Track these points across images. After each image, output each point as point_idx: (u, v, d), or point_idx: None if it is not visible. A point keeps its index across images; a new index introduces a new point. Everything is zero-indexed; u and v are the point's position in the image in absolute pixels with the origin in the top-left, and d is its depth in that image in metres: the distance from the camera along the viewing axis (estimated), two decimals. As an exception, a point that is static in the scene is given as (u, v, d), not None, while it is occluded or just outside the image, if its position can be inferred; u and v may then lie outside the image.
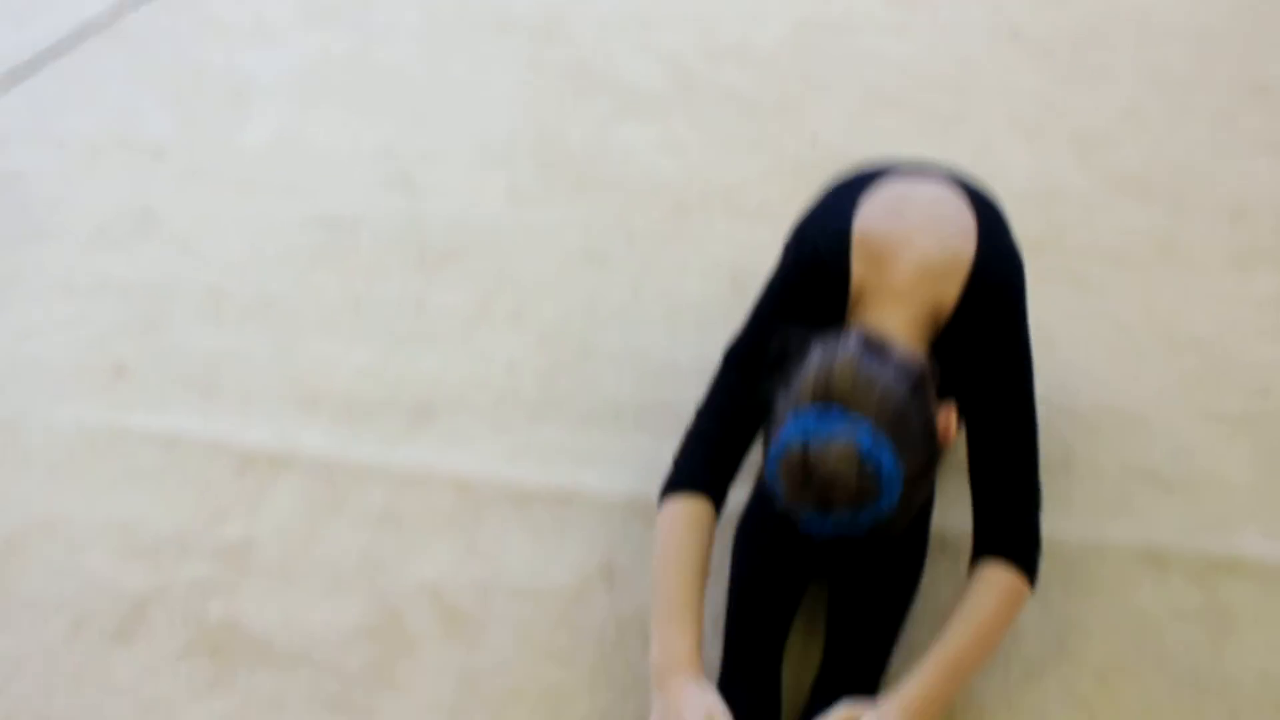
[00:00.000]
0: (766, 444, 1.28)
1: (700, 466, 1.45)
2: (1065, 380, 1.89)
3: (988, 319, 1.45)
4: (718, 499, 1.44)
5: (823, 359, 1.25)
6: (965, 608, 1.37)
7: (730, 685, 1.40)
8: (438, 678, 1.48)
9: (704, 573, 1.39)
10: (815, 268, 1.47)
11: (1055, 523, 1.64)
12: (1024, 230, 2.22)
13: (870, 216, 1.48)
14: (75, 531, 1.69)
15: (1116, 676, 1.48)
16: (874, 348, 1.26)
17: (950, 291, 1.43)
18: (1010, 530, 1.43)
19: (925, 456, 1.26)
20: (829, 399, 1.21)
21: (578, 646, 1.51)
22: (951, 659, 1.33)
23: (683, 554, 1.38)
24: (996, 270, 1.46)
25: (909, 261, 1.44)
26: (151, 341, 2.02)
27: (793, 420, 1.22)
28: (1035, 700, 1.45)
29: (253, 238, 2.25)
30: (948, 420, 1.33)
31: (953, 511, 1.64)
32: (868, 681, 1.41)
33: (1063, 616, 1.54)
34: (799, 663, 1.49)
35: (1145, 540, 1.64)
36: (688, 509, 1.40)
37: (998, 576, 1.38)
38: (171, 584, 1.61)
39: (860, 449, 1.18)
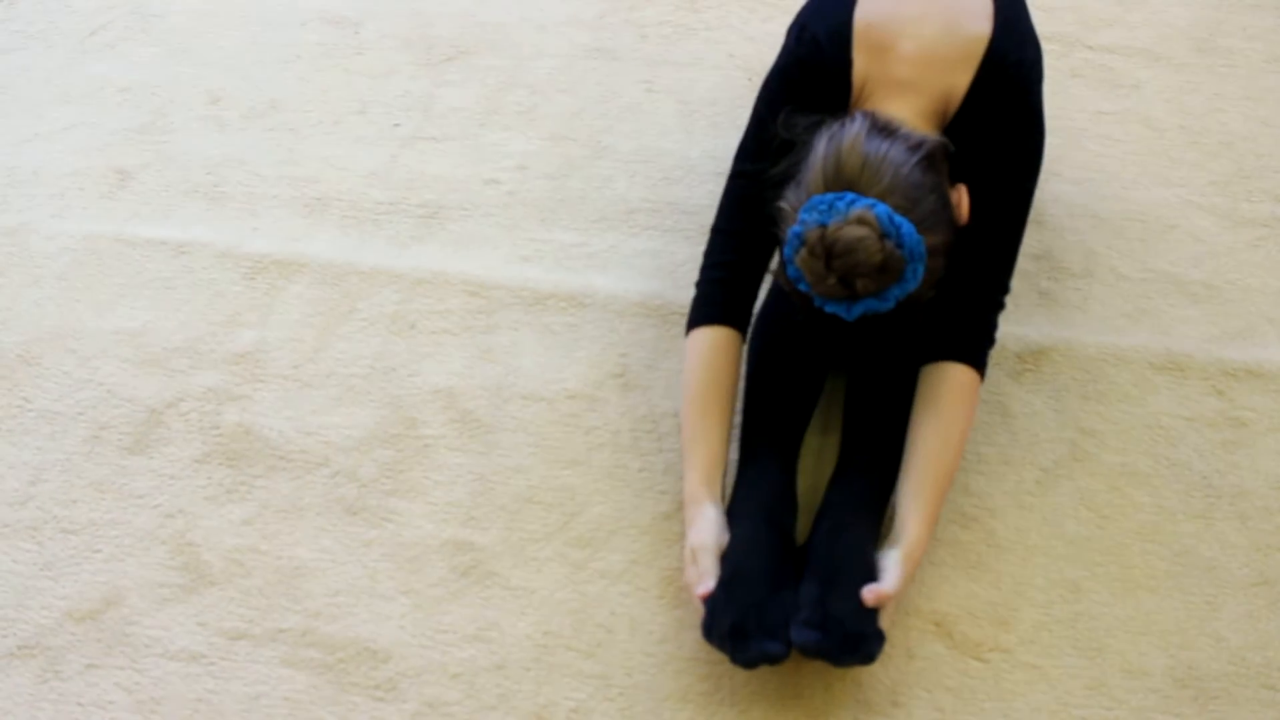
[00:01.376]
0: (782, 248, 1.25)
1: (720, 296, 1.44)
2: (1091, 181, 1.84)
3: (999, 106, 1.39)
4: (741, 322, 1.44)
5: (829, 145, 1.21)
6: (937, 423, 1.37)
7: (746, 483, 1.41)
8: (452, 481, 1.50)
9: (726, 402, 1.40)
10: (815, 62, 1.41)
11: (1073, 327, 1.63)
12: (1055, 25, 2.13)
13: (872, 2, 1.41)
14: (87, 342, 1.68)
15: (1129, 482, 1.48)
16: (881, 127, 1.22)
17: (961, 80, 1.37)
18: (971, 330, 1.42)
19: (944, 230, 1.24)
20: (840, 183, 1.18)
21: (592, 449, 1.51)
22: (935, 488, 1.35)
23: (703, 387, 1.39)
24: (1012, 54, 1.39)
25: (914, 50, 1.37)
26: (153, 147, 1.97)
27: (806, 211, 1.19)
28: (1049, 505, 1.46)
29: (253, 36, 2.16)
30: (960, 197, 1.30)
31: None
32: (883, 481, 1.42)
33: (1078, 421, 1.54)
34: (816, 461, 1.50)
35: (1164, 347, 1.62)
36: (711, 340, 1.41)
37: (958, 381, 1.38)
38: (185, 393, 1.61)
39: (879, 220, 1.16)
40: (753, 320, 1.51)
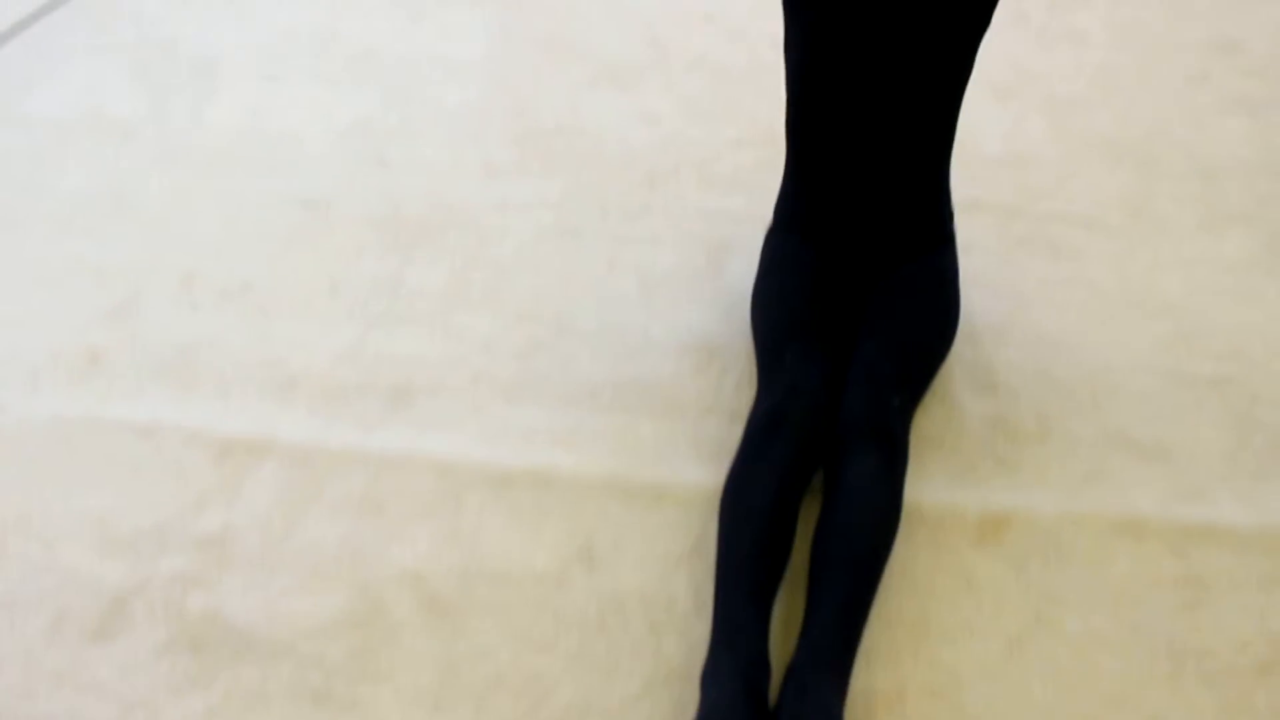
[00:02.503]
0: None
1: None
2: (1040, 346, 1.90)
3: None
4: None
5: None
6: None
7: (724, 641, 1.42)
8: (420, 666, 1.49)
9: None
10: None
11: (1031, 492, 1.66)
12: (997, 196, 2.24)
13: None
14: (52, 526, 1.68)
15: (1095, 648, 1.50)
16: None
17: None
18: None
19: None
20: None
21: (559, 631, 1.52)
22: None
23: None
24: None
25: None
26: (126, 327, 2.00)
27: None
28: (1016, 674, 1.47)
29: (226, 219, 2.23)
30: None
31: (925, 486, 1.66)
32: (849, 634, 1.43)
33: (1041, 588, 1.56)
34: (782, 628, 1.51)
35: (1121, 509, 1.65)
36: None
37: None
38: (151, 577, 1.61)
39: None
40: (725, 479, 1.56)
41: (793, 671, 1.39)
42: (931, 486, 1.64)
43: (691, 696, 1.38)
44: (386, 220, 2.19)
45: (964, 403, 1.78)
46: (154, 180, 2.36)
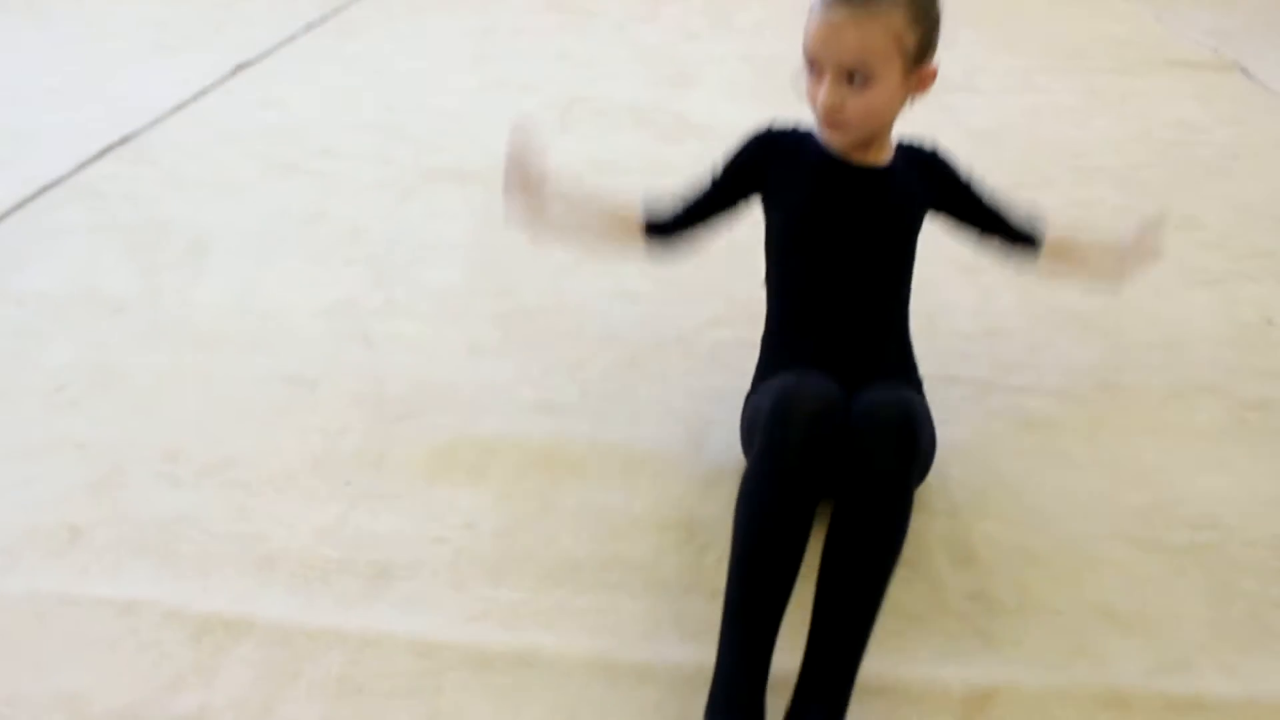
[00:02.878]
0: None
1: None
2: (1017, 518, 1.92)
3: None
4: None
5: None
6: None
7: (724, 680, 1.47)
8: None
9: None
10: None
11: (1015, 667, 1.66)
12: (969, 370, 2.29)
13: None
14: (24, 708, 1.64)
15: (1083, 827, 1.47)
16: None
17: None
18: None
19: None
20: None
21: (541, 816, 1.48)
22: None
23: None
24: None
25: None
26: (107, 504, 2.00)
27: None
28: None
29: (211, 395, 2.26)
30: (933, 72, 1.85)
31: (908, 662, 1.65)
32: (847, 675, 1.48)
33: (1027, 767, 1.54)
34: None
35: (1105, 683, 1.64)
36: None
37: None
38: (123, 763, 1.57)
39: None
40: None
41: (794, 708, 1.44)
42: (914, 662, 1.64)
43: None
44: (370, 398, 2.23)
45: (944, 577, 1.78)
46: (141, 356, 2.40)
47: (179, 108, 4.05)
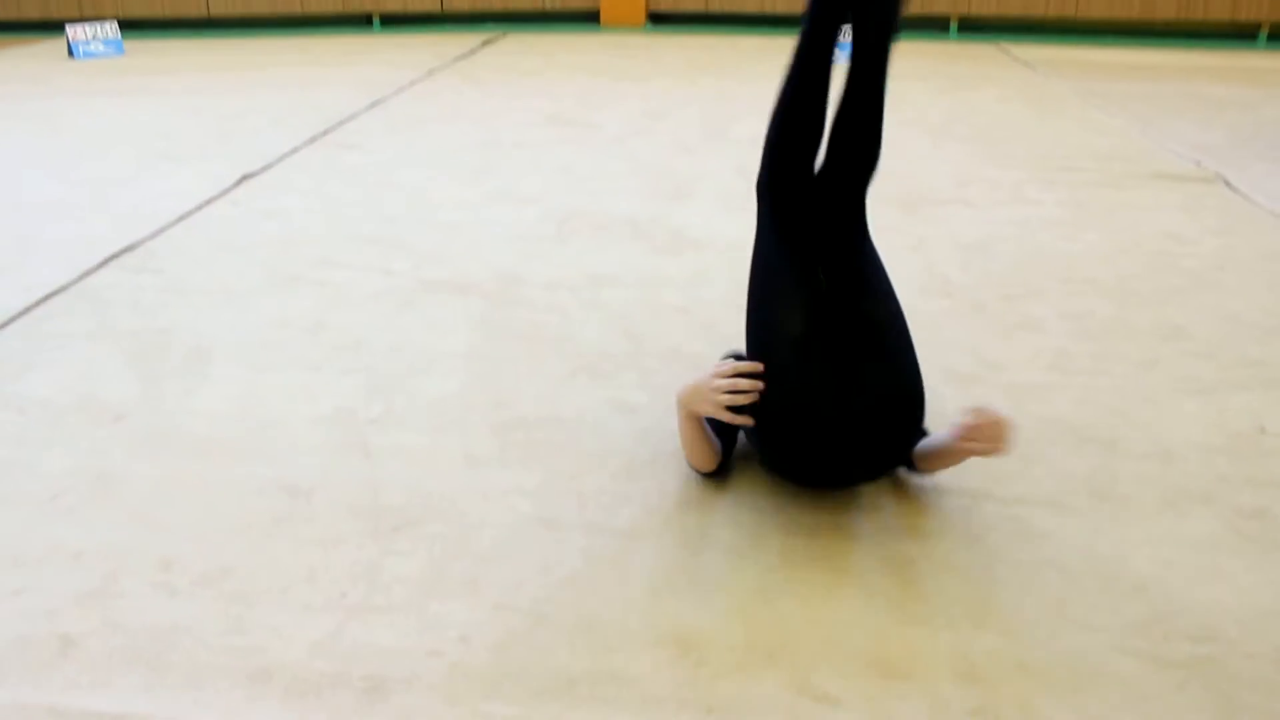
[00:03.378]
0: None
1: None
2: (1016, 632, 1.91)
3: None
4: None
5: None
6: None
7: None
8: None
9: None
10: None
11: (1016, 788, 1.63)
12: (964, 481, 2.30)
13: None
14: (8, 828, 1.62)
15: None
16: None
17: None
18: None
19: None
20: None
21: None
22: None
23: None
24: None
25: None
26: (100, 614, 1.98)
27: None
28: None
29: (209, 504, 2.26)
30: None
31: None
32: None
33: None
34: None
35: (1108, 802, 1.62)
36: None
37: None
38: None
39: None
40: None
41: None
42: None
43: None
44: (367, 508, 2.23)
45: (946, 694, 1.77)
46: (139, 464, 2.40)
47: (183, 217, 4.12)
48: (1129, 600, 1.99)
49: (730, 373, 2.09)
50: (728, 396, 2.07)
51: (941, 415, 2.54)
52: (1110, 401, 2.66)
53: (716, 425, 2.26)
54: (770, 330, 2.15)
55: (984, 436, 2.04)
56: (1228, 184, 4.56)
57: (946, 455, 2.17)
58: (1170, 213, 4.16)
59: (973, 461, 2.37)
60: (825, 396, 2.03)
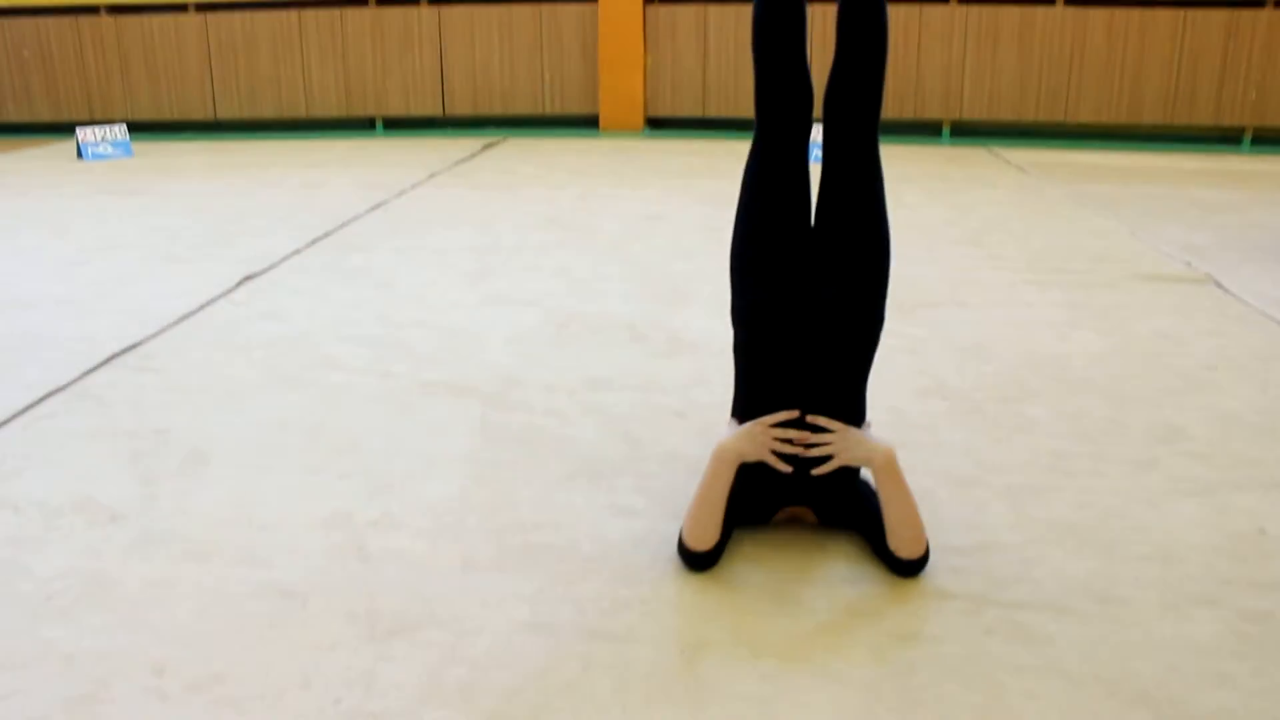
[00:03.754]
0: None
1: None
2: (1020, 740, 1.88)
3: None
4: None
5: None
6: None
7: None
8: None
9: None
10: None
11: None
12: (963, 586, 2.29)
13: None
14: None
15: None
16: None
17: None
18: None
19: None
20: None
21: None
22: None
23: None
24: None
25: None
26: (89, 718, 1.96)
27: None
28: None
29: (203, 608, 2.24)
30: None
31: None
32: None
33: None
34: None
35: None
36: None
37: None
38: None
39: None
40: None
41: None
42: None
43: None
44: (362, 613, 2.21)
45: (947, 802, 1.74)
46: (134, 566, 2.39)
47: (185, 317, 4.16)
48: (1134, 708, 1.96)
49: (779, 421, 2.34)
50: (778, 444, 2.32)
51: (939, 521, 2.54)
52: (1109, 503, 2.66)
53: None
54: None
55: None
56: (1218, 285, 4.62)
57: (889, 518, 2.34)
58: (1163, 314, 4.21)
59: (973, 566, 2.36)
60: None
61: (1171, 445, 2.99)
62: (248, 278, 4.75)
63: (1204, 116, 9.36)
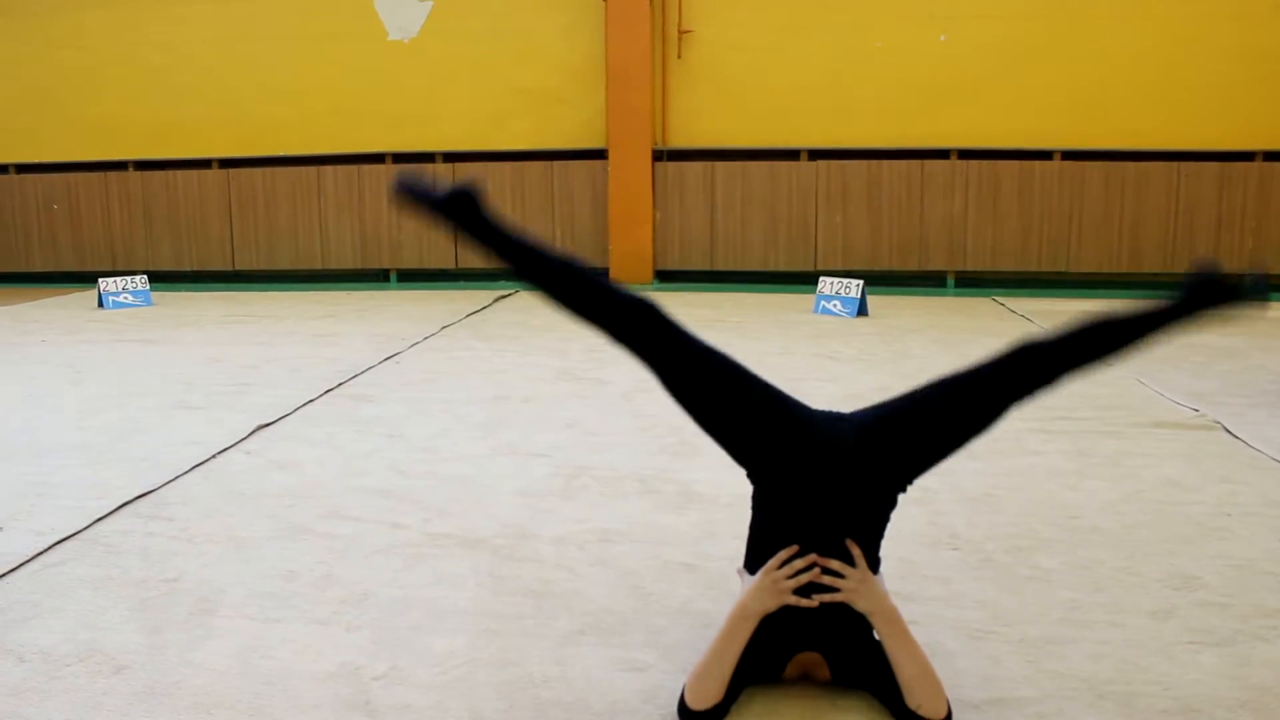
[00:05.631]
0: None
1: None
2: None
3: None
4: None
5: None
6: None
7: None
8: None
9: None
10: None
11: None
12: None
13: None
14: None
15: None
16: None
17: None
18: None
19: None
20: None
21: None
22: None
23: None
24: None
25: None
26: None
27: None
28: None
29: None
30: None
31: None
32: None
33: None
34: None
35: None
36: None
37: None
38: None
39: None
40: None
41: None
42: None
43: None
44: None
45: None
46: (135, 719, 2.36)
47: (197, 465, 4.18)
48: None
49: (784, 561, 2.35)
50: (792, 581, 2.33)
51: (954, 675, 2.50)
52: (1127, 654, 2.62)
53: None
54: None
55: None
56: (1227, 430, 4.63)
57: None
58: (1172, 460, 4.21)
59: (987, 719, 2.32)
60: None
61: (1188, 594, 2.95)
62: (261, 427, 4.79)
63: (1204, 265, 9.51)
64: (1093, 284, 9.61)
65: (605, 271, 10.29)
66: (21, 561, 3.21)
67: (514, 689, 2.48)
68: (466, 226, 2.46)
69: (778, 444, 2.42)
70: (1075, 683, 2.49)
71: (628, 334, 2.44)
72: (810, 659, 2.43)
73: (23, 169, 10.89)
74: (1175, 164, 9.36)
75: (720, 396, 2.43)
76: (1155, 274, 9.53)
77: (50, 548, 3.32)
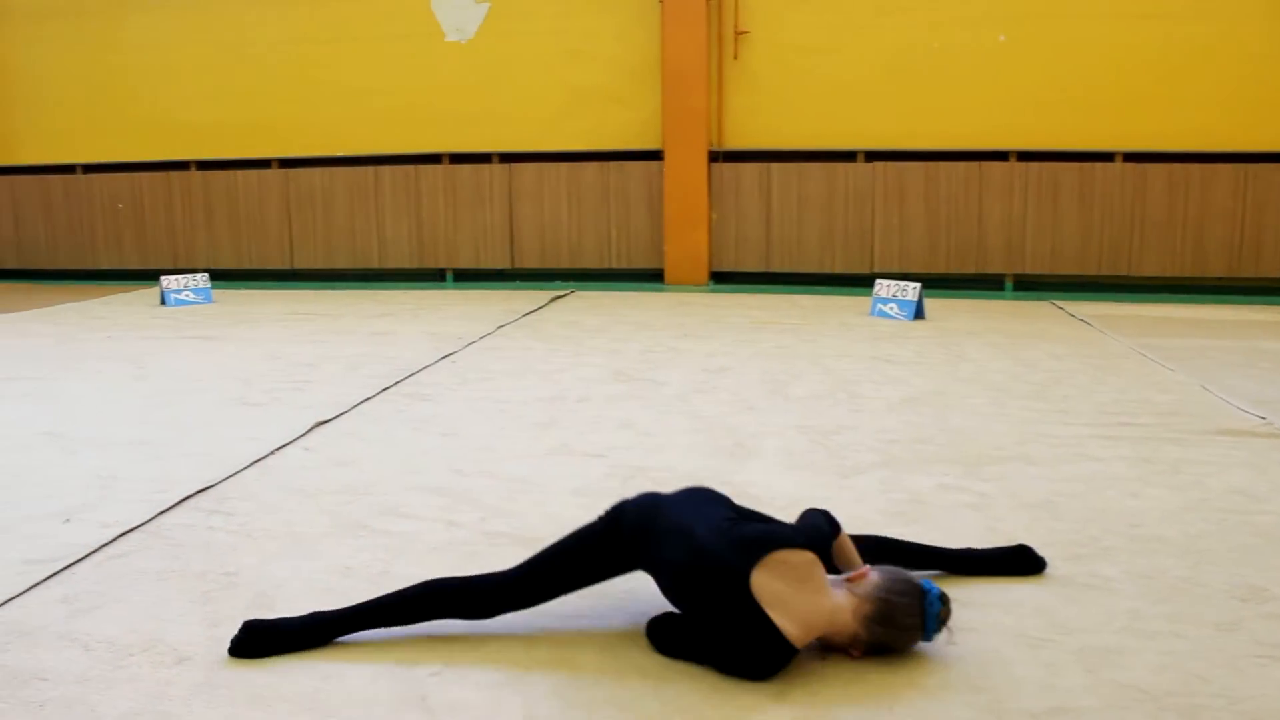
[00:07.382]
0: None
1: None
2: None
3: None
4: None
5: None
6: None
7: None
8: None
9: None
10: None
11: None
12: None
13: None
14: None
15: None
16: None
17: None
18: None
19: None
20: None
21: None
22: None
23: None
24: None
25: None
26: None
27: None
28: None
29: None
30: None
31: None
32: None
33: None
34: None
35: None
36: None
37: None
38: None
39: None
40: None
41: None
42: None
43: None
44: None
45: None
46: (199, 710, 2.39)
47: (257, 461, 4.25)
48: None
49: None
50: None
51: (1012, 683, 2.47)
52: (1190, 666, 2.57)
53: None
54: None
55: None
56: (1295, 441, 4.52)
57: None
58: (1238, 469, 4.12)
59: (1048, 730, 2.28)
60: None
61: (1255, 606, 2.89)
62: (319, 424, 4.85)
63: (1270, 269, 9.29)
64: (1155, 288, 9.44)
65: (660, 273, 10.32)
66: (88, 552, 3.28)
67: (568, 688, 2.49)
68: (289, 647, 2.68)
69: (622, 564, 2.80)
70: (1136, 694, 2.45)
71: (482, 609, 2.75)
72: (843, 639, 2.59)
73: (89, 169, 11.14)
74: (1241, 165, 9.17)
75: (569, 576, 2.77)
76: (1220, 278, 9.35)
77: (115, 539, 3.39)
